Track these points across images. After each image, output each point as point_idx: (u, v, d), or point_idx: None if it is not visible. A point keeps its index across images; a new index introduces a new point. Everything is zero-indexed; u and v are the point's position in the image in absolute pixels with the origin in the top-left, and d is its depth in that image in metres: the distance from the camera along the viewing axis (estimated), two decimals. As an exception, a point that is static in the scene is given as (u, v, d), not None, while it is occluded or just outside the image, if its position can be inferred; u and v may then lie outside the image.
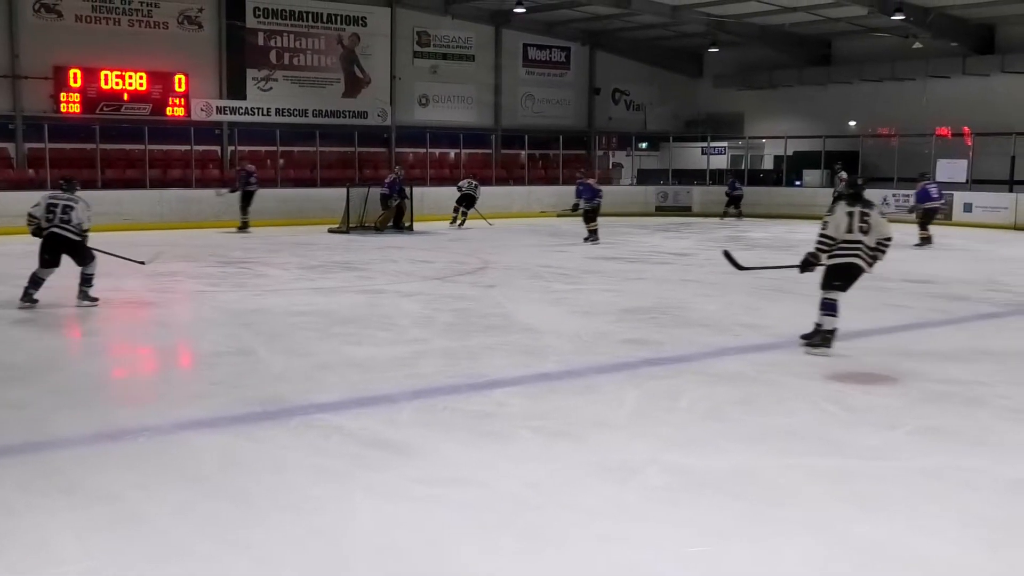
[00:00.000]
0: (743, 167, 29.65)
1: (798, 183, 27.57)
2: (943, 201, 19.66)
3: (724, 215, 25.63)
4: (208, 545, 4.04)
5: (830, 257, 8.14)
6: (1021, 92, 24.51)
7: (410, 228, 20.62)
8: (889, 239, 8.10)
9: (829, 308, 8.08)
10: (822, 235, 8.16)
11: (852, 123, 28.26)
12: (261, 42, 24.86)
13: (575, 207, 18.74)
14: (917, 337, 9.04)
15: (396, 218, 20.70)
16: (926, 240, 18.20)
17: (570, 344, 8.40)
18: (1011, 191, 22.00)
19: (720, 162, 30.28)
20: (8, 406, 6.23)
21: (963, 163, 24.29)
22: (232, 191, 20.26)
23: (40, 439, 5.57)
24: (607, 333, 8.90)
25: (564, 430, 5.73)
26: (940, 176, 24.50)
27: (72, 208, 10.22)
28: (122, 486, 4.74)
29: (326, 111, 25.70)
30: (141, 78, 22.82)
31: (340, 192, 20.77)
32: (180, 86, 23.33)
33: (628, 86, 31.74)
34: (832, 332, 8.03)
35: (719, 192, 27.65)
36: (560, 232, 20.82)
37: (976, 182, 23.72)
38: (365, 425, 5.82)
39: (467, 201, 22.46)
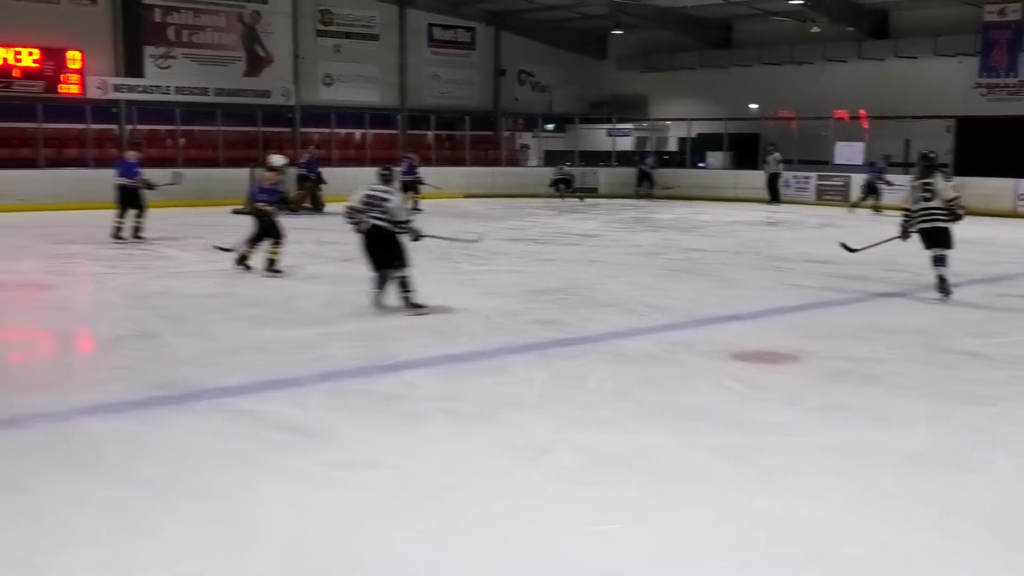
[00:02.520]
0: (647, 148, 30.00)
1: (702, 164, 28.02)
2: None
3: (636, 195, 26.08)
4: (112, 533, 3.96)
5: (914, 225, 9.87)
6: (914, 76, 25.24)
7: (321, 208, 20.42)
8: (953, 199, 9.73)
9: (939, 261, 9.74)
10: (902, 208, 10.11)
11: (753, 106, 28.79)
12: (158, 18, 24.24)
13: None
14: (816, 316, 9.28)
15: (312, 199, 20.52)
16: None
17: (480, 325, 8.42)
18: (906, 173, 22.65)
19: (626, 144, 30.60)
20: None
21: (860, 145, 24.96)
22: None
23: (-69, 428, 5.38)
24: (516, 314, 8.93)
25: (475, 411, 5.74)
26: (838, 159, 25.18)
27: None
28: (19, 474, 4.61)
29: (228, 90, 25.20)
30: (31, 54, 22.05)
31: (244, 172, 20.38)
32: (74, 63, 22.62)
33: (533, 67, 31.80)
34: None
35: (625, 174, 27.98)
36: (469, 213, 20.81)
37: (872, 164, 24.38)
38: (273, 409, 5.74)
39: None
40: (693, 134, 28.77)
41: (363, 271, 9.36)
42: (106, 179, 21.31)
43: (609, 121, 30.22)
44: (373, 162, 26.09)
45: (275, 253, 11.18)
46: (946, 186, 9.96)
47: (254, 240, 11.21)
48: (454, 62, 30.01)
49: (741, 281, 11.28)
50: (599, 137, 30.86)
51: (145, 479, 4.56)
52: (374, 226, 8.82)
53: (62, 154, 22.28)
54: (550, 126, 31.95)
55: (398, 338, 7.83)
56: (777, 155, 24.90)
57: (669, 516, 4.22)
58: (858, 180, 23.26)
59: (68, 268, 11.93)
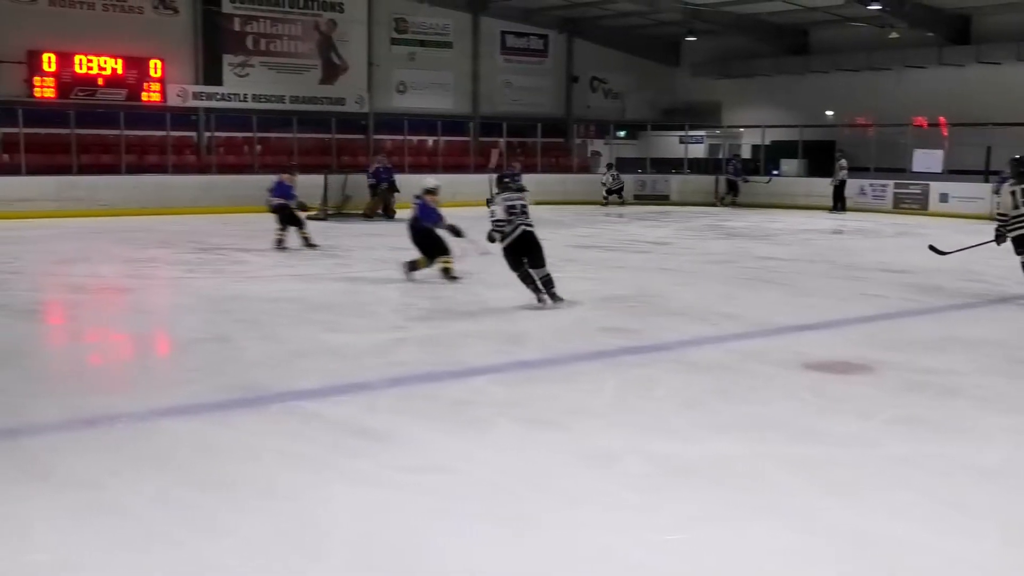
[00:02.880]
0: (721, 156, 29.73)
1: (776, 172, 27.68)
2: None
3: (721, 202, 25.78)
4: (185, 532, 4.02)
5: (1010, 231, 9.80)
6: (996, 82, 24.64)
7: (393, 215, 20.58)
8: None
9: None
10: (998, 213, 10.16)
11: (829, 113, 28.37)
12: (237, 28, 24.69)
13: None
14: (892, 326, 9.09)
15: (384, 206, 20.72)
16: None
17: (549, 332, 8.40)
18: (987, 181, 22.15)
19: (698, 151, 30.36)
20: (-18, 393, 6.17)
21: (939, 153, 24.43)
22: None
23: (15, 425, 5.52)
24: (586, 321, 8.91)
25: (543, 418, 5.73)
26: (916, 166, 24.68)
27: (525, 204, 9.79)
28: (98, 473, 4.71)
29: (303, 97, 25.56)
30: (116, 63, 22.61)
31: (317, 179, 20.67)
32: (156, 71, 23.15)
33: (606, 74, 31.73)
34: None
35: (697, 181, 27.76)
36: (539, 220, 20.80)
37: (952, 172, 23.86)
38: (343, 412, 5.80)
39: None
40: (767, 141, 28.44)
41: (431, 277, 9.40)
42: (185, 185, 21.92)
43: (682, 128, 30.01)
44: (445, 169, 26.46)
45: (447, 263, 11.17)
46: None
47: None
48: (527, 69, 30.08)
49: (815, 290, 11.11)
50: (671, 144, 30.65)
51: (219, 479, 4.63)
52: (526, 231, 9.45)
53: (143, 160, 22.81)
54: (622, 133, 31.84)
55: (467, 344, 7.86)
56: (843, 162, 24.51)
57: (739, 528, 4.16)
58: (936, 189, 22.78)
59: (147, 272, 12.20)
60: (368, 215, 20.23)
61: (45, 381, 6.68)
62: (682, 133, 29.89)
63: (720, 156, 29.77)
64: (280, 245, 14.42)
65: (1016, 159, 10.14)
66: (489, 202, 10.47)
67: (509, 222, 9.44)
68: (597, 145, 31.96)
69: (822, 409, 6.04)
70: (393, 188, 20.88)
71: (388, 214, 20.60)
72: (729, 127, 31.14)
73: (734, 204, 25.83)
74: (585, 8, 28.48)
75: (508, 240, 9.47)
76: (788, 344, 7.98)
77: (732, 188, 26.25)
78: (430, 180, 11.70)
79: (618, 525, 4.17)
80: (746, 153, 30.24)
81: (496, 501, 4.42)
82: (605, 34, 30.80)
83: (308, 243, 14.55)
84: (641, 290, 10.88)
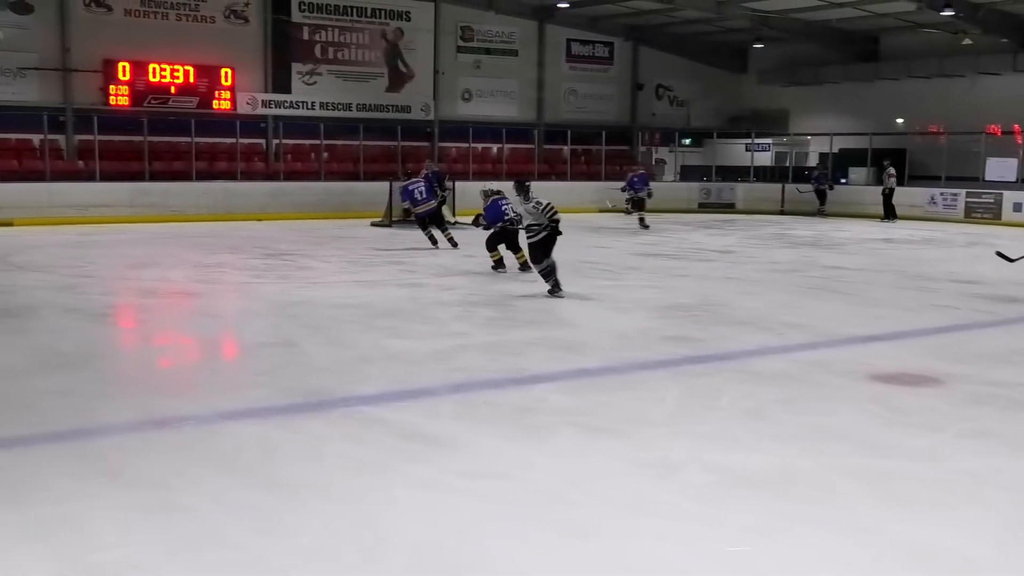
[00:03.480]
0: (787, 164, 29.41)
1: (844, 181, 27.29)
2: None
3: (819, 212, 25.36)
4: (246, 533, 4.08)
5: None
6: (1073, 90, 24.08)
7: (454, 223, 20.57)
8: None
9: None
10: None
11: (900, 120, 27.92)
12: (306, 36, 25.02)
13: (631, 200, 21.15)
14: (962, 338, 8.91)
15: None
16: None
17: (611, 340, 8.38)
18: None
19: (764, 159, 30.06)
20: (55, 393, 6.32)
21: (1013, 162, 23.92)
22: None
23: (86, 426, 5.66)
24: (648, 330, 8.86)
25: (604, 426, 5.71)
26: (989, 175, 24.19)
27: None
28: (164, 473, 4.80)
29: (369, 105, 25.82)
30: (188, 72, 23.06)
31: (383, 186, 20.85)
32: (226, 80, 23.55)
33: (672, 81, 31.57)
34: None
35: (763, 189, 27.47)
36: (602, 228, 20.78)
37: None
38: (405, 418, 5.84)
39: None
40: (835, 149, 28.05)
41: (495, 284, 9.42)
42: (253, 191, 22.28)
43: (748, 136, 29.75)
44: (508, 176, 26.48)
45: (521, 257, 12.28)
46: None
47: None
48: (592, 77, 30.04)
49: (882, 300, 10.93)
50: (737, 152, 30.39)
51: (282, 482, 4.69)
52: (554, 228, 10.58)
53: (212, 167, 23.22)
54: (687, 141, 31.63)
55: (529, 352, 7.86)
56: (892, 170, 24.10)
57: (802, 541, 4.10)
58: (1010, 198, 22.32)
59: (215, 277, 12.41)
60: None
61: (116, 383, 6.82)
62: (748, 141, 29.63)
63: (787, 164, 29.45)
64: (435, 244, 15.38)
65: None
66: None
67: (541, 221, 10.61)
68: (662, 153, 31.81)
69: (889, 421, 5.94)
70: (443, 189, 20.59)
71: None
72: (796, 135, 30.79)
73: (822, 214, 25.32)
74: (651, 16, 28.34)
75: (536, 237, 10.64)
76: (855, 355, 7.86)
77: (821, 197, 25.71)
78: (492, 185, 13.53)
79: (677, 535, 4.14)
80: (812, 161, 29.86)
81: (555, 509, 4.42)
82: (671, 41, 30.65)
83: (453, 244, 15.34)
84: (705, 299, 10.80)
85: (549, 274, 10.53)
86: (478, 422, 5.78)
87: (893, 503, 4.53)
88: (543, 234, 10.56)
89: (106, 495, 4.49)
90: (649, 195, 21.27)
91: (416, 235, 15.98)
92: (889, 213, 23.90)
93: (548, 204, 10.68)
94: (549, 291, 10.51)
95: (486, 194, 12.73)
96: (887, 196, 24.07)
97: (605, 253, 15.71)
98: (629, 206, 22.08)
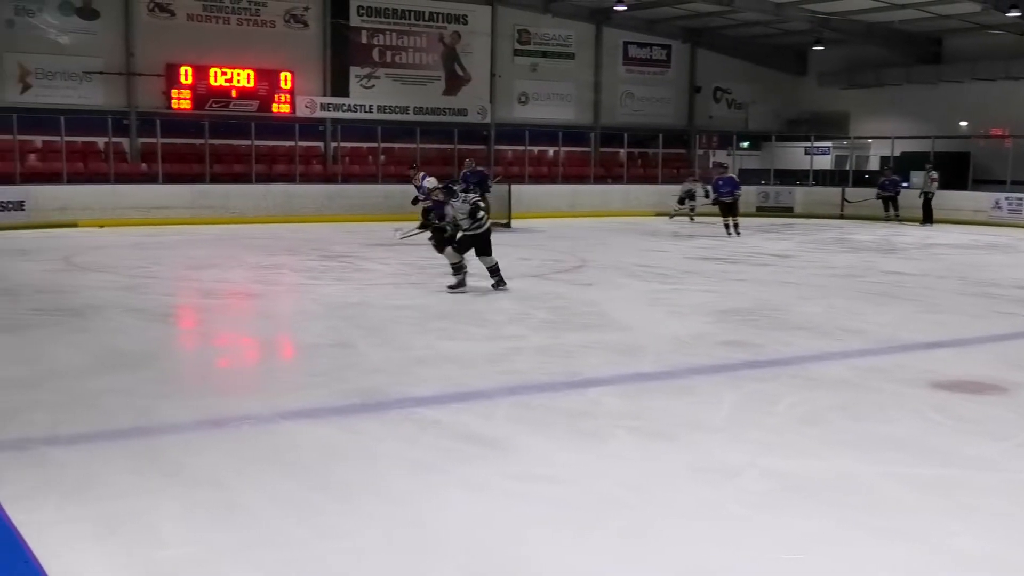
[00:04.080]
0: (848, 168, 29.00)
1: (906, 185, 26.83)
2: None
3: (886, 218, 24.70)
4: (303, 532, 4.11)
5: None
6: None
7: (508, 225, 20.58)
8: None
9: None
10: None
11: (963, 123, 27.41)
12: (364, 40, 25.22)
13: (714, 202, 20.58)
14: (1029, 345, 8.73)
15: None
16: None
17: (667, 344, 8.34)
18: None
19: (824, 162, 29.67)
20: (118, 392, 6.43)
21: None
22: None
23: (147, 424, 5.75)
24: (705, 334, 8.80)
25: (660, 431, 5.68)
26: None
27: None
28: (223, 472, 4.87)
29: (427, 108, 25.95)
30: (249, 75, 23.37)
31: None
32: (286, 83, 23.80)
33: (729, 84, 31.30)
34: None
35: (822, 193, 27.11)
36: (658, 232, 20.67)
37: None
38: (460, 420, 5.86)
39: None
40: (897, 153, 27.61)
41: (549, 287, 9.39)
42: (311, 194, 22.51)
43: (807, 139, 29.40)
44: (565, 179, 26.51)
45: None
46: None
47: None
48: (648, 79, 29.90)
49: (944, 307, 10.75)
50: (796, 155, 30.04)
51: (337, 482, 4.73)
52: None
53: (271, 170, 23.50)
54: (745, 144, 31.34)
55: (584, 355, 7.84)
56: (934, 174, 23.59)
57: (860, 549, 4.04)
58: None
59: (274, 278, 12.55)
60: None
61: (176, 382, 6.93)
62: (807, 144, 29.29)
63: (847, 168, 29.03)
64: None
65: None
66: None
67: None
68: (720, 156, 31.53)
69: (951, 430, 5.83)
70: (484, 190, 20.30)
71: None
72: (857, 138, 30.37)
73: (898, 219, 24.50)
74: (709, 18, 28.14)
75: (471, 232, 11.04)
76: (916, 362, 7.74)
77: (893, 204, 24.65)
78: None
79: (733, 541, 4.10)
80: (873, 164, 29.42)
81: (609, 513, 4.40)
82: (729, 44, 30.39)
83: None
84: (762, 303, 10.69)
85: (459, 270, 11.08)
86: (533, 425, 5.77)
87: (953, 513, 4.45)
88: (480, 232, 11.01)
89: (166, 492, 4.55)
90: (736, 199, 20.30)
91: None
92: (927, 217, 23.46)
93: (475, 199, 11.22)
94: (450, 287, 11.03)
95: (434, 193, 12.73)
96: (927, 200, 23.63)
97: (662, 257, 15.63)
98: (692, 213, 21.79)
